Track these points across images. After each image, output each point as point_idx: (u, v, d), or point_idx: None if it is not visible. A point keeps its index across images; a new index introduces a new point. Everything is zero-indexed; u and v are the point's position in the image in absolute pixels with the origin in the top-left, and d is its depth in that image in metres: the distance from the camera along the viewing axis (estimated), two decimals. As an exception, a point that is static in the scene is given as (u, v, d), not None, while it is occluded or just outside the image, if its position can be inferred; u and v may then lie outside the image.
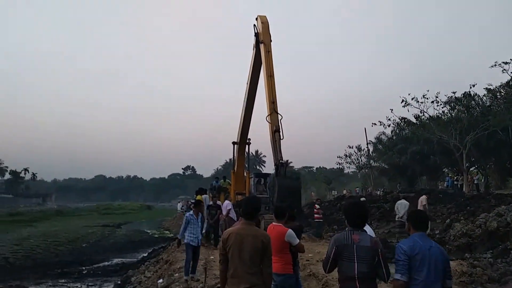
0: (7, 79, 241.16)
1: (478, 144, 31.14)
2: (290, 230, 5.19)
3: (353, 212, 3.79)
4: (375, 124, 35.75)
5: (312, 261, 10.62)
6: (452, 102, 31.91)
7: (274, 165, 14.36)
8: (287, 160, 13.91)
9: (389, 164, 47.74)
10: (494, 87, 30.92)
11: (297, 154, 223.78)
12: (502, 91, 30.98)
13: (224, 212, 13.78)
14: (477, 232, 12.33)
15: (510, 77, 28.97)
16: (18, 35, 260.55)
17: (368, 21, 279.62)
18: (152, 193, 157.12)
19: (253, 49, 16.36)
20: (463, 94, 31.53)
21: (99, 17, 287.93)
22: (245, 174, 19.34)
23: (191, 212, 9.17)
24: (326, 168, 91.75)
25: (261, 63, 15.58)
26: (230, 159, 21.53)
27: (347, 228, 3.74)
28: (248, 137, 19.17)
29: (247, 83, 17.25)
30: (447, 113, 32.84)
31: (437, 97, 31.45)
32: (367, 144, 47.83)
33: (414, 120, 34.70)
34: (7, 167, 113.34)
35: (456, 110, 32.55)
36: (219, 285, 7.57)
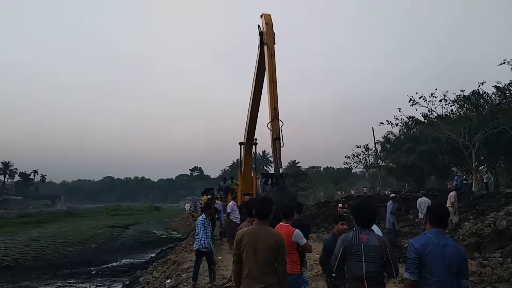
0: (18, 79, 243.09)
1: (487, 142, 30.86)
2: (297, 230, 5.19)
3: (361, 212, 3.77)
4: (382, 123, 35.56)
5: (320, 261, 10.57)
6: (461, 100, 31.65)
7: (274, 176, 14.12)
8: (285, 176, 13.67)
9: (397, 164, 47.46)
10: (503, 85, 30.61)
11: (304, 154, 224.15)
12: (511, 89, 30.67)
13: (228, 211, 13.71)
14: (486, 231, 12.22)
15: (519, 75, 28.70)
16: (29, 36, 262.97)
17: (376, 20, 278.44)
18: (160, 194, 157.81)
19: (258, 48, 16.08)
20: (472, 92, 31.27)
21: (107, 20, 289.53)
22: (252, 175, 19.33)
23: (204, 216, 8.72)
24: (333, 168, 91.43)
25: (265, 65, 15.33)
26: (237, 160, 21.50)
27: (354, 228, 3.72)
28: (255, 137, 19.15)
29: (252, 83, 17.14)
30: (455, 111, 32.61)
31: (445, 95, 31.25)
32: (375, 143, 47.56)
33: (422, 119, 34.48)
34: (16, 169, 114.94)
35: (464, 108, 32.28)
36: (226, 285, 7.61)
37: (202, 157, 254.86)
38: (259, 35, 15.45)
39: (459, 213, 17.17)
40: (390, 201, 16.37)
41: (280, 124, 13.16)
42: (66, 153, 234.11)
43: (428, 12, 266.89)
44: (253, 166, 20.02)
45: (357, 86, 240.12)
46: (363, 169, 58.42)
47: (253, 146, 19.51)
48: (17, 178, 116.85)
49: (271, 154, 13.31)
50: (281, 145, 12.70)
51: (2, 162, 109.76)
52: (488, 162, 36.94)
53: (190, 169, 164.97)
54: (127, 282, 13.89)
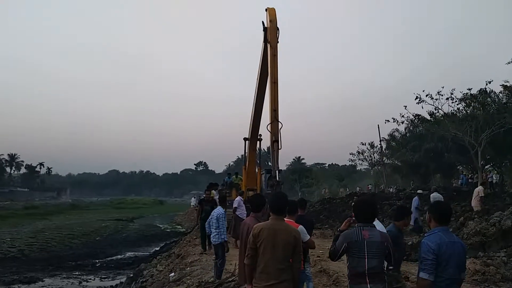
0: (24, 74, 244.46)
1: (494, 141, 30.63)
2: (301, 226, 5.20)
3: (363, 208, 3.78)
4: (388, 121, 35.26)
5: (323, 257, 10.60)
6: (468, 99, 31.36)
7: (273, 177, 14.02)
8: (281, 183, 13.56)
9: (403, 162, 47.27)
10: (511, 84, 30.34)
11: (309, 151, 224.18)
12: (518, 88, 30.38)
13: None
14: (491, 230, 12.17)
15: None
16: (37, 26, 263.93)
17: (383, 16, 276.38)
18: (165, 188, 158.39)
19: (263, 44, 15.74)
20: (479, 91, 30.99)
21: (115, 19, 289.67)
22: (256, 170, 19.33)
23: (222, 208, 8.57)
24: (338, 165, 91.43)
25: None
26: (242, 155, 21.47)
27: (356, 225, 3.74)
28: (260, 133, 19.10)
29: (257, 78, 16.98)
30: (462, 110, 32.33)
31: (452, 93, 30.95)
32: (380, 141, 47.33)
33: (428, 117, 34.26)
34: (23, 161, 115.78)
35: (471, 107, 32.01)
36: (229, 279, 7.64)
37: (207, 152, 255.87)
38: (264, 30, 14.91)
39: (464, 212, 17.11)
40: (416, 197, 16.51)
41: (280, 126, 13.08)
42: (72, 146, 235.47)
43: (438, 8, 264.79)
44: (258, 161, 20.01)
45: (363, 83, 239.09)
46: (368, 167, 58.21)
47: (258, 142, 19.50)
48: (23, 170, 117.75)
49: (281, 147, 13.18)
50: (279, 147, 12.62)
51: (8, 154, 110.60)
52: (494, 161, 36.71)
53: (195, 164, 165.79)
54: (131, 275, 13.99)
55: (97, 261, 18.62)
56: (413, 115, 34.32)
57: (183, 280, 9.13)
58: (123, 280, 14.02)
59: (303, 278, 5.48)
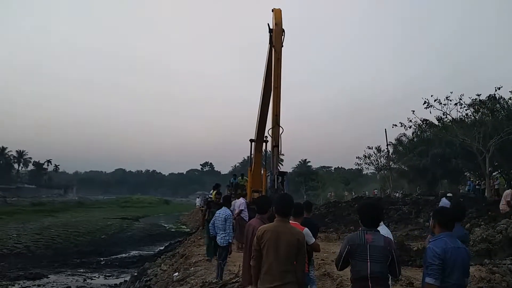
0: (33, 73, 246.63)
1: (502, 148, 30.39)
2: (306, 229, 5.19)
3: (367, 212, 3.77)
4: (395, 125, 35.06)
5: (327, 260, 10.58)
6: (476, 104, 31.12)
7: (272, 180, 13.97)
8: (281, 189, 13.52)
9: (409, 166, 47.02)
10: (521, 90, 30.05)
11: (315, 154, 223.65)
12: (528, 94, 30.10)
13: (236, 211, 13.05)
14: (497, 238, 12.08)
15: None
16: (44, 26, 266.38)
17: (392, 19, 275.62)
18: (170, 188, 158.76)
19: (268, 45, 15.63)
20: (488, 96, 30.77)
21: (124, 16, 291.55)
22: (262, 172, 19.33)
23: (228, 209, 8.62)
24: (344, 168, 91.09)
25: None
26: (248, 157, 21.48)
27: (360, 228, 3.73)
28: (266, 135, 19.11)
29: (263, 80, 16.92)
30: (470, 115, 32.11)
31: (460, 99, 30.72)
32: (387, 145, 47.15)
33: (436, 122, 34.05)
34: (30, 158, 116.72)
35: (480, 113, 31.78)
36: (233, 280, 7.65)
37: (213, 153, 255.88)
38: (269, 32, 14.70)
39: (470, 218, 16.98)
40: (445, 200, 16.53)
41: (281, 131, 13.05)
42: (80, 144, 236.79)
43: (447, 12, 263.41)
44: (264, 163, 20.00)
45: (371, 86, 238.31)
46: (374, 171, 58.02)
47: (264, 144, 19.50)
48: (31, 167, 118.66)
49: (281, 152, 13.18)
50: (279, 152, 12.59)
51: (16, 151, 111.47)
52: (502, 168, 36.40)
53: (201, 164, 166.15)
54: (135, 274, 14.04)
55: (101, 259, 18.72)
56: (421, 120, 34.12)
57: (187, 280, 9.15)
58: (127, 278, 14.07)
59: (307, 281, 5.47)
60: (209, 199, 16.00)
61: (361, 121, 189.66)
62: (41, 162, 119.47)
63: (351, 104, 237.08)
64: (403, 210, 24.01)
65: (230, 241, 8.27)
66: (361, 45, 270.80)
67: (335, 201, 35.71)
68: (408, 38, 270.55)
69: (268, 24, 14.76)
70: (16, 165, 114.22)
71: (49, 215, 41.79)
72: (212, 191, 13.66)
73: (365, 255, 3.53)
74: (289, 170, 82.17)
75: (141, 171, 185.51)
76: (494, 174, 35.57)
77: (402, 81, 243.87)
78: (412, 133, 44.34)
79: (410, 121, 33.71)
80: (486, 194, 28.86)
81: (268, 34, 14.86)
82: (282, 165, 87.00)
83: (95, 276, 15.05)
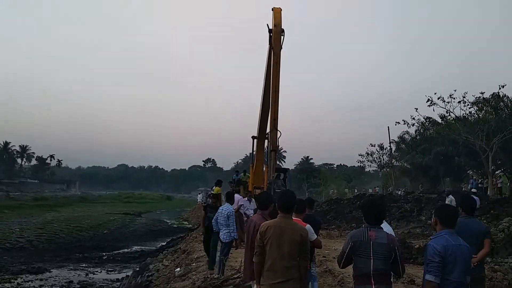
0: (36, 66, 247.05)
1: (505, 146, 30.34)
2: (308, 225, 5.18)
3: (370, 209, 3.76)
4: (399, 123, 35.05)
5: (329, 257, 10.60)
6: (480, 102, 31.04)
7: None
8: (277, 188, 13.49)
9: (412, 164, 46.98)
10: (525, 88, 30.03)
11: (318, 151, 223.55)
12: (532, 92, 30.06)
13: (235, 207, 13.27)
14: (499, 236, 12.07)
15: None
16: (46, 16, 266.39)
17: (394, 18, 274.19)
18: (173, 184, 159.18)
19: (268, 45, 15.29)
20: (492, 95, 30.69)
21: (124, 9, 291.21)
22: (264, 169, 19.34)
23: (230, 205, 8.60)
24: (347, 165, 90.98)
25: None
26: (250, 153, 21.47)
27: (363, 225, 3.73)
28: (267, 132, 19.06)
29: (264, 78, 16.75)
30: (474, 113, 32.01)
31: (464, 97, 30.66)
32: (390, 143, 47.14)
33: (439, 120, 33.97)
34: (34, 153, 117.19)
35: (483, 111, 31.69)
36: (234, 276, 7.66)
37: (215, 149, 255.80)
38: (269, 32, 14.25)
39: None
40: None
41: (278, 134, 12.97)
42: (83, 139, 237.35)
43: (452, 12, 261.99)
44: (265, 160, 20.02)
45: (374, 84, 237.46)
46: (376, 168, 57.97)
47: (266, 141, 19.50)
48: (34, 162, 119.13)
49: (284, 149, 13.17)
50: (276, 156, 12.52)
51: (20, 146, 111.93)
52: (505, 166, 36.32)
53: (203, 161, 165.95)
54: (137, 269, 14.07)
55: (104, 254, 18.78)
56: (424, 118, 34.07)
57: (189, 276, 9.18)
58: (129, 273, 14.10)
59: (309, 278, 5.47)
60: (211, 194, 15.96)
61: (364, 119, 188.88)
62: (44, 157, 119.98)
63: (354, 102, 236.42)
64: (405, 208, 24.02)
65: (236, 237, 8.25)
66: (365, 44, 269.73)
67: (337, 198, 35.75)
68: (411, 39, 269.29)
69: (268, 25, 14.32)
70: (19, 160, 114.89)
71: (51, 210, 41.98)
72: (214, 187, 13.63)
73: (368, 252, 3.53)
74: (292, 167, 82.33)
75: (144, 166, 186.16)
76: (497, 172, 35.51)
77: (407, 80, 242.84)
78: (415, 131, 44.35)
79: (413, 118, 33.70)
80: (488, 193, 28.82)
81: (267, 34, 14.43)
82: (284, 162, 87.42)
83: (97, 271, 15.10)
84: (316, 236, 5.45)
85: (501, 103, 31.33)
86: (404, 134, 48.26)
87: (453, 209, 3.94)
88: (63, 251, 18.94)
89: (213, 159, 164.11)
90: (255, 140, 19.39)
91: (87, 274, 14.54)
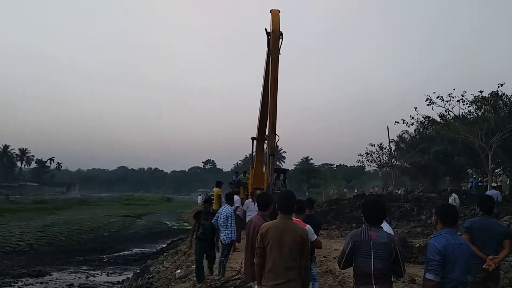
0: (35, 67, 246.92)
1: (505, 145, 30.29)
2: (308, 226, 5.19)
3: (371, 209, 3.77)
4: (398, 122, 34.94)
5: (329, 257, 10.60)
6: (479, 101, 31.01)
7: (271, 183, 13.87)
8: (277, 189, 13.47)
9: (411, 164, 46.97)
10: (524, 86, 30.00)
11: (317, 151, 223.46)
12: (531, 91, 29.99)
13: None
14: (500, 235, 12.08)
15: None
16: (46, 16, 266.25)
17: (394, 17, 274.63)
18: (172, 186, 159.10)
19: (267, 48, 15.03)
20: (491, 93, 30.66)
21: (125, 9, 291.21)
22: (264, 170, 19.34)
23: (230, 207, 8.61)
24: (346, 165, 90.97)
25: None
26: (250, 154, 21.49)
27: (364, 225, 3.73)
28: (266, 133, 19.03)
29: (263, 80, 16.62)
30: (473, 112, 32.00)
31: (463, 96, 30.62)
32: (389, 142, 47.13)
33: (438, 119, 33.97)
34: (33, 156, 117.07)
35: (482, 109, 31.69)
36: (235, 277, 7.66)
37: (215, 150, 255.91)
38: (267, 35, 13.67)
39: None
40: (494, 191, 17.10)
41: (277, 139, 12.92)
42: (82, 142, 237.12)
43: (451, 11, 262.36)
44: (265, 161, 20.02)
45: (373, 83, 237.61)
46: (376, 168, 57.90)
47: (265, 142, 19.51)
48: (33, 165, 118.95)
49: (283, 149, 13.15)
50: (274, 160, 12.44)
51: (19, 149, 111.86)
52: (504, 165, 36.32)
53: (203, 162, 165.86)
54: (138, 271, 14.08)
55: (104, 256, 18.78)
56: (423, 117, 34.07)
57: (189, 277, 9.18)
58: (130, 275, 14.11)
59: (309, 278, 5.47)
60: (210, 196, 15.96)
61: (363, 119, 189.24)
62: (44, 160, 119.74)
63: (353, 102, 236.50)
64: (405, 207, 24.01)
65: (233, 238, 8.27)
66: (365, 43, 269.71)
67: (337, 198, 35.72)
68: (411, 39, 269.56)
69: (266, 29, 13.89)
70: (18, 163, 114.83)
71: (51, 213, 41.91)
72: (214, 188, 13.64)
73: (369, 251, 3.54)
74: (291, 167, 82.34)
75: (143, 168, 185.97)
76: (496, 171, 35.53)
77: (406, 79, 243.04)
78: (414, 130, 44.32)
79: (412, 118, 33.66)
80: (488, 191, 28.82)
81: (266, 36, 13.80)
82: (284, 162, 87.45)
83: (97, 274, 15.11)
84: (316, 237, 5.45)
85: (500, 102, 31.30)
86: (404, 133, 48.24)
87: (453, 208, 3.95)
88: (63, 254, 18.92)
89: (212, 160, 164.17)
90: (255, 141, 19.41)
91: (87, 277, 14.54)
